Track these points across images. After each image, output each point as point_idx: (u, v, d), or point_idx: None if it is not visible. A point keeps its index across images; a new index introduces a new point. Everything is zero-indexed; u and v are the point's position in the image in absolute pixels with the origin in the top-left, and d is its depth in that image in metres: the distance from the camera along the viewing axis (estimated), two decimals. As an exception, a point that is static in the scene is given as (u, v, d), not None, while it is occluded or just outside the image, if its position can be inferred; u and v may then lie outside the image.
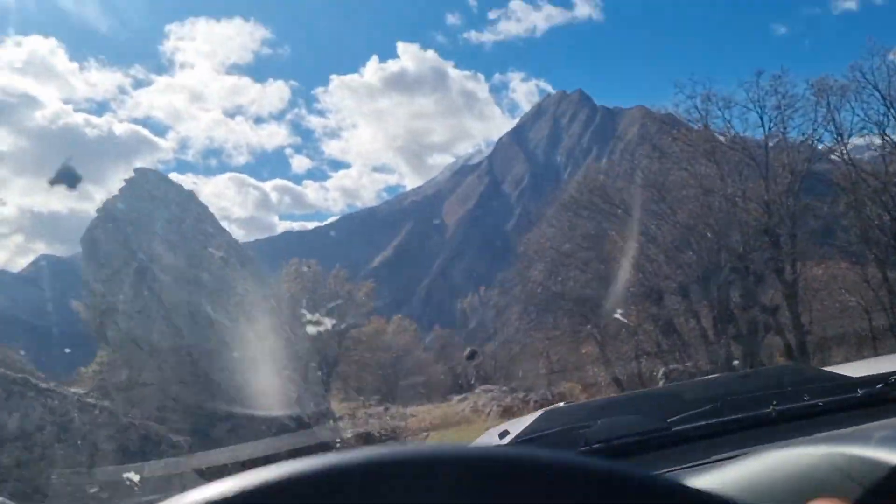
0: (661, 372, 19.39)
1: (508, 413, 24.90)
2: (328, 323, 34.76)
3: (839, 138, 24.82)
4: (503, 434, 2.09)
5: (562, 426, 1.88)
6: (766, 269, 24.53)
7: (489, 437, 2.27)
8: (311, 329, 34.56)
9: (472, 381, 51.00)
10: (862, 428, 1.57)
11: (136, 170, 10.91)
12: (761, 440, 1.58)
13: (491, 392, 37.08)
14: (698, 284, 25.81)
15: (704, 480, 1.15)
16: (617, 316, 21.81)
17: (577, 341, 33.83)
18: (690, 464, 1.52)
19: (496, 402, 28.56)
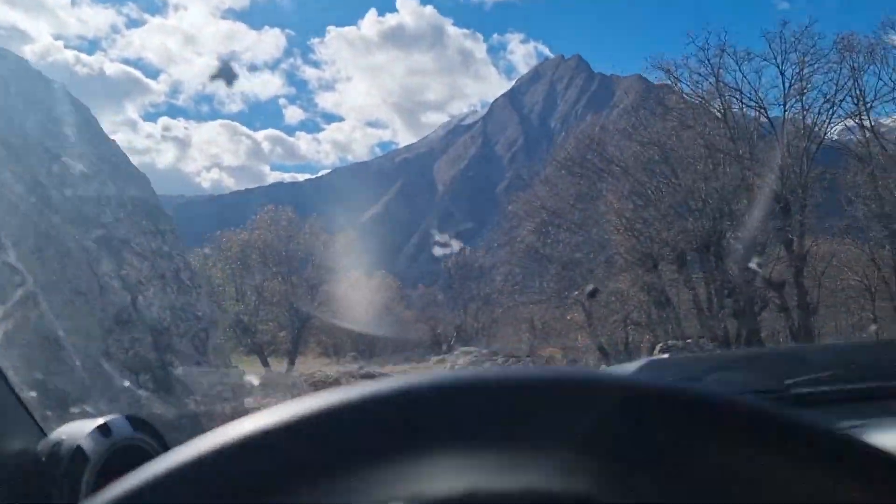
0: (657, 348, 17.70)
1: (486, 380, 23.23)
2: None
3: (861, 103, 22.82)
4: None
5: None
6: (773, 240, 22.72)
7: None
8: (278, 283, 32.75)
9: (452, 342, 49.69)
10: None
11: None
12: (888, 412, 1.52)
13: (470, 354, 35.59)
14: (697, 253, 24.02)
15: None
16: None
17: (563, 307, 32.19)
18: None
19: (475, 365, 26.91)
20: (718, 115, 23.19)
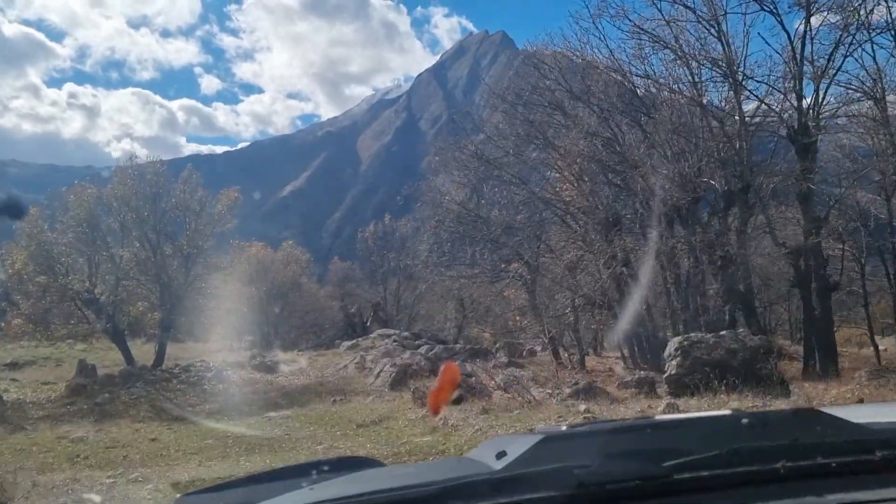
0: (674, 343, 12.17)
1: (402, 379, 17.30)
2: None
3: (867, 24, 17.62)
4: (500, 455, 1.80)
5: (557, 463, 1.66)
6: (789, 191, 17.50)
7: (484, 452, 1.96)
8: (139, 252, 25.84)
9: (369, 323, 43.68)
10: (873, 498, 1.53)
11: None
12: (768, 497, 1.52)
13: (388, 339, 29.80)
14: (677, 211, 18.58)
15: None
16: None
17: (500, 282, 26.45)
18: None
19: (390, 359, 20.87)
20: (711, 25, 17.55)
